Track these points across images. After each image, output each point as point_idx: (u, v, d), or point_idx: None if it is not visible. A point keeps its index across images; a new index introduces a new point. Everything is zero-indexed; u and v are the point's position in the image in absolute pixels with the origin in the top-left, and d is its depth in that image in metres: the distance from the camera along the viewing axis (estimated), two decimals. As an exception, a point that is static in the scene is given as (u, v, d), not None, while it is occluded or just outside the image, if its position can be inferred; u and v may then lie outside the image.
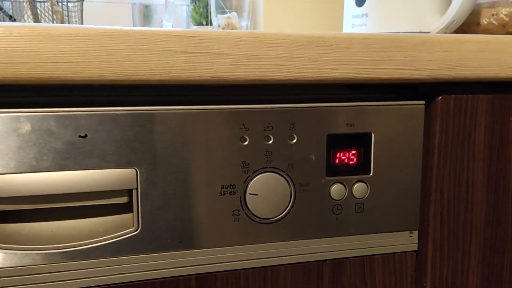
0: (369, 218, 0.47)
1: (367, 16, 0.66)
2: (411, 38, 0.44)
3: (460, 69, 0.45)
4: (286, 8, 0.93)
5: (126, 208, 0.42)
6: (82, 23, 0.80)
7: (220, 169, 0.43)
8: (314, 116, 0.45)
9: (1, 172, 0.38)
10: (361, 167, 0.47)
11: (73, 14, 0.78)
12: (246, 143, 0.43)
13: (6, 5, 0.77)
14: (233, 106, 0.43)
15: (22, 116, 0.38)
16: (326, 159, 0.45)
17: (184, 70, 0.39)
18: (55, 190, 0.40)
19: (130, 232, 0.42)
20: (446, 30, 0.61)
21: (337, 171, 0.46)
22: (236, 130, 0.43)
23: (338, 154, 0.46)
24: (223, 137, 0.43)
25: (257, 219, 0.45)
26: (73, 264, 0.41)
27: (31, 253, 0.40)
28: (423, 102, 0.47)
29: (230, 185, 0.43)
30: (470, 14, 0.61)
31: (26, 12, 0.77)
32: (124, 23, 0.91)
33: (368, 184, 0.47)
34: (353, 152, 0.46)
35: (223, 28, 0.80)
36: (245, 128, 0.43)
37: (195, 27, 0.99)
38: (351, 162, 0.46)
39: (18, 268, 0.40)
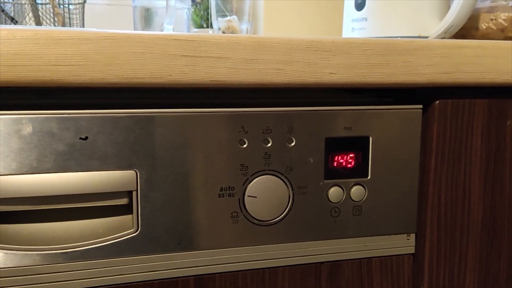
0: (367, 220, 0.48)
1: (366, 20, 0.66)
2: (409, 43, 0.44)
3: (458, 74, 0.45)
4: (287, 11, 0.94)
5: (126, 209, 0.43)
6: (83, 26, 0.80)
7: (219, 171, 0.43)
8: (313, 120, 0.45)
9: (2, 173, 0.39)
10: (359, 170, 0.47)
11: (74, 16, 0.78)
12: (245, 145, 0.44)
13: (8, 7, 0.77)
14: (232, 109, 0.43)
15: (24, 118, 0.39)
16: (324, 162, 0.46)
17: (184, 73, 0.39)
18: (56, 191, 0.40)
19: (129, 233, 0.42)
20: (445, 34, 0.61)
21: (335, 174, 0.46)
22: (235, 133, 0.43)
23: (336, 157, 0.46)
24: (222, 140, 0.43)
25: (256, 221, 0.45)
26: (73, 265, 0.41)
27: (32, 254, 0.40)
28: (421, 106, 0.48)
29: (229, 187, 0.44)
30: (469, 18, 0.61)
31: (28, 14, 0.77)
32: (125, 25, 0.92)
33: (366, 187, 0.47)
34: (351, 155, 0.47)
35: (223, 31, 0.80)
36: (244, 131, 0.43)
37: (195, 30, 0.99)
38: (349, 165, 0.47)
39: (19, 269, 0.40)
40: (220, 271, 0.45)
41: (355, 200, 0.47)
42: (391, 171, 0.48)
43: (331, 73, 0.42)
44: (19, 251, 0.40)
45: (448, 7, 0.62)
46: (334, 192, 0.46)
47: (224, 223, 0.44)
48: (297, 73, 0.41)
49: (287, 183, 0.45)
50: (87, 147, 0.40)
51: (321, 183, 0.46)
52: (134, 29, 0.76)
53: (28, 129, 0.39)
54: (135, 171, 0.41)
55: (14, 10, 0.77)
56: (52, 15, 0.76)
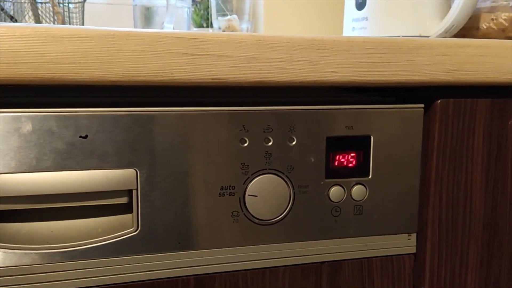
0: (368, 220, 0.47)
1: (367, 19, 0.66)
2: (411, 42, 0.44)
3: (459, 73, 0.45)
4: (287, 11, 0.94)
5: (125, 208, 0.42)
6: (83, 24, 0.80)
7: (220, 170, 0.43)
8: (314, 119, 0.45)
9: (1, 172, 0.39)
10: (360, 170, 0.47)
11: (74, 15, 0.78)
12: (246, 144, 0.44)
13: (7, 6, 0.77)
14: (233, 108, 0.43)
15: (23, 116, 0.39)
16: (326, 161, 0.46)
17: (185, 71, 0.39)
18: (55, 190, 0.40)
19: (129, 232, 0.42)
20: (445, 34, 0.61)
21: (336, 173, 0.46)
22: (236, 132, 0.43)
23: (338, 157, 0.46)
24: (223, 139, 0.43)
25: (256, 221, 0.45)
26: (72, 264, 0.41)
27: (31, 253, 0.40)
28: (422, 105, 0.48)
29: (230, 186, 0.44)
30: (470, 18, 0.61)
31: (27, 13, 0.77)
32: (125, 24, 0.92)
33: (367, 187, 0.47)
34: (352, 154, 0.46)
35: (223, 31, 0.80)
36: (245, 129, 0.43)
37: (195, 29, 0.99)
38: (350, 165, 0.46)
39: (17, 268, 0.40)
40: (220, 271, 0.45)
41: (356, 199, 0.47)
42: (392, 170, 0.47)
43: (332, 71, 0.42)
44: (18, 250, 0.40)
45: (449, 7, 0.62)
46: (335, 192, 0.46)
47: (224, 222, 0.44)
48: (298, 72, 0.41)
49: (288, 182, 0.45)
50: (87, 146, 0.40)
51: (322, 183, 0.46)
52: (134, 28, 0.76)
53: (27, 127, 0.39)
54: (135, 170, 0.41)
55: (13, 9, 0.77)
56: (52, 14, 0.76)
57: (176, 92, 0.46)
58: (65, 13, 0.77)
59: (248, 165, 0.44)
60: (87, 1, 0.80)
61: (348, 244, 0.48)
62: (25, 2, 0.76)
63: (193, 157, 0.42)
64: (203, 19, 0.99)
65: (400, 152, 0.47)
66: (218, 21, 0.82)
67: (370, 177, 0.47)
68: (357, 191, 0.47)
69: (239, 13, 0.82)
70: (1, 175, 0.39)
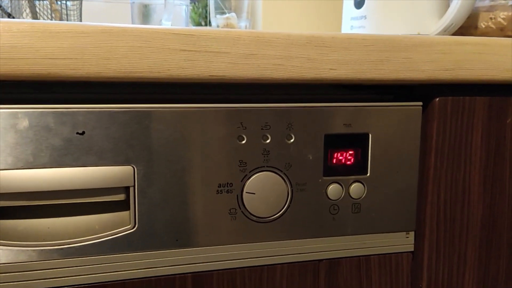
0: (366, 218, 0.47)
1: (365, 18, 0.66)
2: (409, 40, 0.44)
3: (458, 71, 0.45)
4: (285, 10, 0.94)
5: (123, 205, 0.42)
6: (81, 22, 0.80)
7: (218, 167, 0.43)
8: (312, 116, 0.45)
9: (-2, 168, 0.38)
10: (358, 168, 0.47)
11: (71, 12, 0.78)
12: (243, 142, 0.43)
13: (5, 3, 0.77)
14: (231, 104, 0.43)
15: (20, 112, 0.38)
16: (324, 159, 0.45)
17: (183, 68, 0.39)
18: (52, 186, 0.40)
19: (126, 229, 0.42)
20: (444, 33, 0.61)
21: (334, 171, 0.46)
22: (233, 129, 0.43)
23: (336, 154, 0.46)
24: (221, 136, 0.43)
25: (254, 218, 0.45)
26: (69, 261, 0.41)
27: (27, 250, 0.40)
28: (421, 103, 0.48)
29: (227, 183, 0.43)
30: (468, 17, 0.61)
31: (25, 10, 0.77)
32: (123, 22, 0.91)
33: (365, 185, 0.47)
34: (350, 152, 0.46)
35: (222, 29, 0.80)
36: (242, 127, 0.43)
37: (193, 27, 0.99)
38: (348, 162, 0.46)
39: (14, 265, 0.40)
40: (218, 268, 0.45)
41: (354, 197, 0.47)
42: (390, 168, 0.47)
43: (330, 69, 0.42)
44: (14, 247, 0.40)
45: (448, 6, 0.62)
46: (333, 189, 0.46)
47: (222, 219, 0.44)
48: (296, 69, 0.41)
49: (286, 180, 0.45)
50: (84, 142, 0.40)
51: (320, 180, 0.46)
52: (132, 26, 0.76)
53: (24, 123, 0.38)
54: (133, 167, 0.41)
55: (11, 6, 0.77)
56: (49, 11, 0.76)
57: (174, 89, 0.46)
58: (63, 10, 0.77)
59: (246, 163, 0.44)
60: (85, -2, 0.80)
61: (346, 242, 0.48)
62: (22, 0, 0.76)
63: (190, 154, 0.42)
64: (202, 17, 0.99)
65: (398, 150, 0.47)
66: (216, 19, 0.82)
67: (368, 175, 0.47)
68: (355, 189, 0.47)
69: (238, 11, 0.82)
70: (-2, 171, 0.38)
